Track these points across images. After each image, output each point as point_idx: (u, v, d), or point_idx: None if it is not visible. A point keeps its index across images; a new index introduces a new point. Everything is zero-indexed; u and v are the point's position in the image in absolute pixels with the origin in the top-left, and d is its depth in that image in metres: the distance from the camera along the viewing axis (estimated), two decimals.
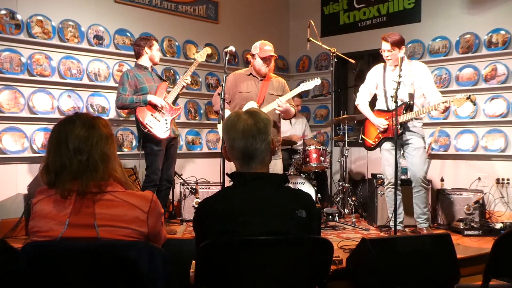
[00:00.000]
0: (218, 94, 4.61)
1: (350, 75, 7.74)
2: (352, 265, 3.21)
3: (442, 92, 6.26)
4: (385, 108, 4.89)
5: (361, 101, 5.10)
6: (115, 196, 1.88)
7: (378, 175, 5.84)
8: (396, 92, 4.34)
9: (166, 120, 4.89)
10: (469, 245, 4.62)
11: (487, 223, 5.27)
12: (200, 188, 5.84)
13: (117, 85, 5.37)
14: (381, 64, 5.01)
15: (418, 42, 6.52)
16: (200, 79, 6.68)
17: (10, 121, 5.07)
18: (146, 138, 4.84)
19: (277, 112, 4.60)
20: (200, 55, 5.22)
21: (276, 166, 4.62)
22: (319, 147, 5.87)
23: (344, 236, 4.87)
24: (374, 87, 5.04)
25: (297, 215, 1.94)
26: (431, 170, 6.24)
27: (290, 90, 4.82)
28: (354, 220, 5.60)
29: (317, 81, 4.79)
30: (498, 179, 5.78)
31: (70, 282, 1.79)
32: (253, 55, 4.72)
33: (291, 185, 5.30)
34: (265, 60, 4.65)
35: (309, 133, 6.98)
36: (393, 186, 4.76)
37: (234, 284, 1.88)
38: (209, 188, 5.86)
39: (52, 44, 5.37)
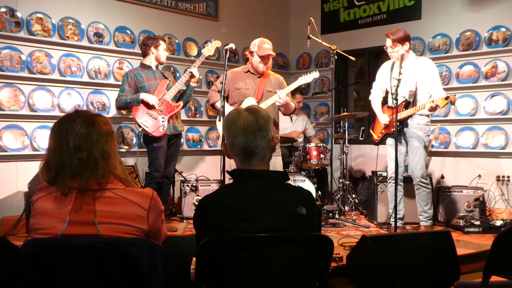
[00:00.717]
0: (218, 91, 4.61)
1: (351, 73, 7.74)
2: (352, 262, 3.21)
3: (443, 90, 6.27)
4: (391, 104, 4.89)
5: (373, 97, 5.15)
6: (115, 193, 1.88)
7: (378, 173, 5.84)
8: (396, 89, 4.36)
9: (163, 118, 4.88)
10: (469, 242, 4.62)
11: (488, 220, 5.27)
12: (201, 185, 5.84)
13: (117, 82, 5.38)
14: (391, 61, 4.99)
15: (418, 40, 6.51)
16: (200, 77, 6.66)
17: (11, 118, 5.07)
18: (146, 136, 4.87)
19: (278, 104, 4.60)
20: (208, 49, 5.19)
21: (276, 163, 4.62)
22: (319, 145, 5.87)
23: (345, 233, 4.88)
24: (384, 83, 5.05)
25: (297, 212, 1.94)
26: (431, 167, 6.25)
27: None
28: (354, 217, 5.60)
29: (315, 74, 4.79)
30: (498, 176, 5.78)
31: (71, 279, 1.79)
32: (251, 52, 4.72)
33: (291, 183, 5.30)
34: (263, 58, 4.64)
35: (311, 130, 6.98)
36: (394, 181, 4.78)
37: (234, 281, 1.88)
38: (209, 185, 5.87)
39: (52, 42, 5.37)
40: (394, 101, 4.42)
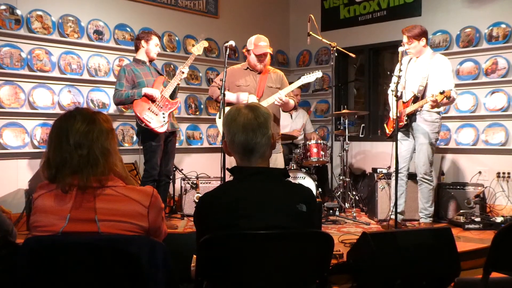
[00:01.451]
0: (218, 88, 4.60)
1: (351, 70, 7.74)
2: (352, 259, 3.22)
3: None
4: (404, 99, 4.88)
5: (390, 90, 5.11)
6: (115, 190, 1.88)
7: (378, 169, 5.84)
8: (396, 86, 4.37)
9: (163, 114, 4.87)
10: (469, 238, 4.63)
11: (488, 216, 5.28)
12: (201, 183, 5.84)
13: None
14: (409, 56, 4.96)
15: None
16: (200, 74, 6.68)
17: (11, 116, 5.08)
18: (144, 133, 4.81)
19: (277, 104, 4.59)
20: (197, 49, 5.18)
21: (277, 160, 4.62)
22: (319, 142, 5.87)
23: (345, 230, 4.88)
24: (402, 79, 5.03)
25: (297, 209, 1.94)
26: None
27: (289, 83, 4.81)
28: (354, 214, 5.61)
29: (318, 74, 4.78)
30: (498, 173, 5.78)
31: (71, 277, 1.79)
32: (248, 51, 4.70)
33: (291, 180, 5.30)
34: (260, 56, 4.63)
35: (310, 127, 6.98)
36: (400, 176, 4.85)
37: (235, 278, 1.88)
38: (209, 182, 5.87)
39: (52, 39, 5.37)
40: (394, 97, 4.42)
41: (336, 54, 5.64)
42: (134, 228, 1.86)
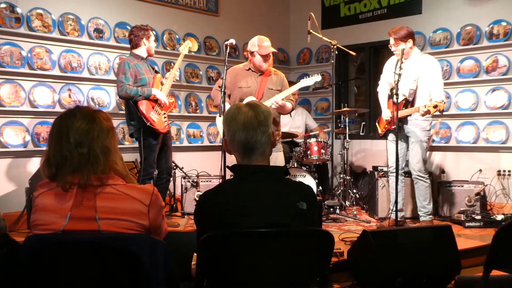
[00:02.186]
0: (219, 87, 4.59)
1: (351, 68, 7.73)
2: (353, 257, 3.22)
3: (444, 84, 6.27)
4: (394, 100, 4.88)
5: (380, 89, 5.18)
6: (116, 189, 1.88)
7: (379, 168, 5.84)
8: (397, 84, 4.38)
9: (164, 114, 4.88)
10: (470, 236, 4.63)
11: (488, 214, 5.28)
12: (201, 181, 5.85)
13: None
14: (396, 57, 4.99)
15: (419, 34, 6.49)
16: (201, 72, 6.68)
17: (11, 114, 5.08)
18: (145, 131, 4.78)
19: (274, 108, 4.61)
20: (183, 48, 5.18)
21: (277, 158, 4.62)
22: (320, 140, 5.87)
23: (345, 229, 4.88)
24: (390, 77, 5.04)
25: (297, 207, 1.94)
26: (432, 162, 6.25)
27: (289, 83, 4.81)
28: (355, 212, 5.61)
29: (317, 78, 4.79)
30: (499, 171, 5.78)
31: (72, 275, 1.79)
32: (251, 53, 4.69)
33: (292, 178, 5.30)
34: (266, 57, 4.63)
35: (313, 123, 6.98)
36: (394, 175, 4.81)
37: (235, 276, 1.88)
38: (210, 181, 5.87)
39: (52, 38, 5.37)
40: (395, 96, 4.41)
41: (336, 52, 5.64)
42: (134, 226, 1.86)
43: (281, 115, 4.91)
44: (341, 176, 6.18)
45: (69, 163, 1.87)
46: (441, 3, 6.35)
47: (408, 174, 5.20)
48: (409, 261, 2.72)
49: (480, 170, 5.89)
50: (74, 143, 1.88)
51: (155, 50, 5.13)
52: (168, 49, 6.33)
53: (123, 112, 5.82)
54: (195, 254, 1.94)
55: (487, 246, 2.37)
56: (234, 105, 2.09)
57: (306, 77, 4.81)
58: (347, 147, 6.09)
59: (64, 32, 5.44)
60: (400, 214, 4.88)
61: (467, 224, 4.98)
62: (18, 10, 5.14)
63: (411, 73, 4.73)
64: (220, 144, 6.18)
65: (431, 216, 4.93)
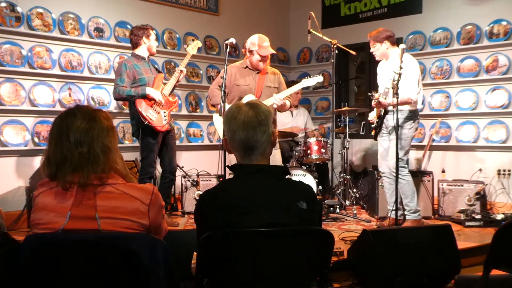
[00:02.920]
0: (219, 86, 4.59)
1: (351, 67, 7.73)
2: (353, 256, 3.22)
3: (444, 84, 6.31)
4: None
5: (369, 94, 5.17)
6: (116, 188, 1.88)
7: (379, 167, 5.83)
8: (397, 84, 4.38)
9: (164, 112, 4.87)
10: (470, 236, 4.63)
11: (488, 214, 5.28)
12: (202, 180, 5.85)
13: None
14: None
15: (419, 34, 6.50)
16: (201, 72, 6.68)
17: (11, 113, 5.08)
18: (144, 130, 4.78)
19: (274, 107, 4.62)
20: (192, 48, 5.19)
21: (275, 157, 4.62)
22: (320, 139, 5.87)
23: (345, 228, 4.89)
24: (380, 80, 5.06)
25: (297, 206, 1.94)
26: (432, 161, 6.26)
27: (291, 82, 4.82)
28: (355, 211, 5.61)
29: (319, 78, 4.81)
30: (499, 170, 5.78)
31: (72, 274, 1.79)
32: (251, 51, 4.70)
33: (292, 177, 5.30)
34: (264, 57, 4.65)
35: (311, 125, 6.98)
36: (385, 176, 4.93)
37: (235, 275, 1.88)
38: (210, 180, 5.87)
39: (53, 37, 5.37)
40: (395, 96, 4.40)
41: (336, 52, 5.64)
42: (134, 225, 1.86)
43: (283, 114, 4.93)
44: (341, 175, 6.18)
45: (69, 162, 1.87)
46: (441, 2, 6.35)
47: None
48: (409, 261, 2.71)
49: (480, 170, 5.90)
50: (74, 142, 1.88)
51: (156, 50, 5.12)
52: (168, 48, 6.33)
53: (123, 111, 5.85)
54: (195, 253, 1.94)
55: (487, 246, 2.37)
56: (234, 105, 2.09)
57: (307, 77, 4.82)
58: (347, 146, 6.09)
59: (64, 31, 5.44)
60: (399, 213, 4.87)
61: (467, 223, 4.98)
62: (19, 9, 5.14)
63: (388, 73, 4.71)
64: (219, 143, 6.19)
65: (416, 214, 4.80)
